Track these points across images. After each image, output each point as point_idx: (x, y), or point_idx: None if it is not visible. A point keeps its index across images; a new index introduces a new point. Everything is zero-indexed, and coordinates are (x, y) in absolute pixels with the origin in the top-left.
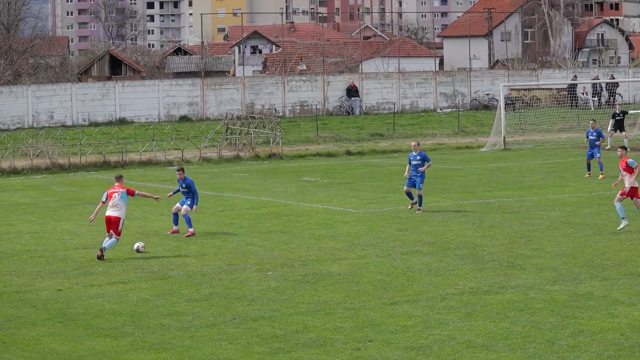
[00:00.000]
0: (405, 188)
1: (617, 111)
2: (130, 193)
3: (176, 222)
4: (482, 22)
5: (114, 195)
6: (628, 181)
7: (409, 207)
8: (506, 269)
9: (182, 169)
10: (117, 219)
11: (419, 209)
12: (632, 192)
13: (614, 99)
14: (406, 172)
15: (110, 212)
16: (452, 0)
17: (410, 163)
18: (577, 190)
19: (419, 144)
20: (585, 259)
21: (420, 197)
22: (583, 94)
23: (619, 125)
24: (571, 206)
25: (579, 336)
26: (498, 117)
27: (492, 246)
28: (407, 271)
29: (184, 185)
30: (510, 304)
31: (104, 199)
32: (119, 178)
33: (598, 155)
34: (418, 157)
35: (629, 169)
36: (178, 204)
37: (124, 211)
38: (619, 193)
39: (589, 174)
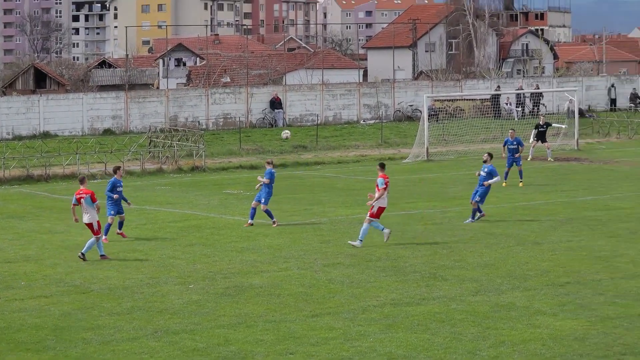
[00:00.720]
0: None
1: (540, 122)
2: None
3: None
4: (407, 33)
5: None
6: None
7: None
8: (428, 280)
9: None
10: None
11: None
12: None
13: (538, 109)
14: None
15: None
16: (377, 11)
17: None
18: (500, 200)
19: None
20: (507, 269)
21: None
22: (507, 104)
23: (541, 137)
24: (493, 217)
25: (500, 347)
26: (421, 128)
27: (413, 257)
28: (329, 283)
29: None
30: (432, 315)
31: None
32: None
33: (520, 163)
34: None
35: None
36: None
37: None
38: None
39: (505, 183)
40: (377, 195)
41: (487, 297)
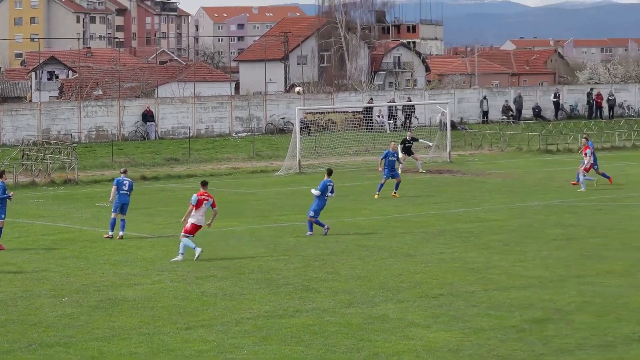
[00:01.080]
0: None
1: (407, 138)
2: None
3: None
4: (279, 46)
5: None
6: None
7: None
8: (301, 292)
9: None
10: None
11: None
12: None
13: (410, 122)
14: None
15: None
16: (249, 24)
17: None
18: (373, 213)
19: None
20: (380, 281)
21: None
22: (379, 116)
23: (407, 151)
24: (366, 229)
25: (374, 358)
26: (293, 141)
27: (286, 270)
28: (202, 296)
29: None
30: (305, 327)
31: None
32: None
33: (398, 175)
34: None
35: None
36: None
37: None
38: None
39: (377, 195)
40: (187, 211)
41: (361, 309)
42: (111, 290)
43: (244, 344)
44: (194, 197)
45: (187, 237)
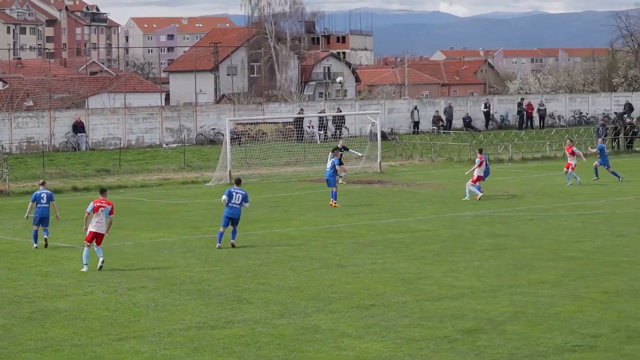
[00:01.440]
0: None
1: (339, 146)
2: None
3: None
4: (209, 56)
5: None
6: None
7: None
8: (232, 303)
9: None
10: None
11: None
12: None
13: (341, 132)
14: None
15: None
16: (179, 35)
17: None
18: (303, 223)
19: None
20: (311, 292)
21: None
22: (309, 127)
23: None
24: (297, 239)
25: None
26: (224, 152)
27: (218, 281)
28: (134, 307)
29: None
30: (237, 338)
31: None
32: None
33: (335, 184)
34: None
35: None
36: None
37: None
38: None
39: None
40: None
41: (293, 320)
42: (43, 302)
43: (176, 355)
44: (90, 204)
45: (87, 246)
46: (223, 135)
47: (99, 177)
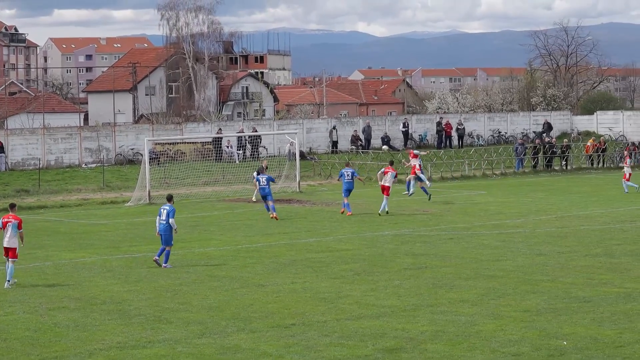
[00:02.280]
0: None
1: (263, 165)
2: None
3: None
4: (127, 76)
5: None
6: None
7: None
8: (153, 323)
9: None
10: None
11: None
12: None
13: (259, 152)
14: None
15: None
16: (97, 55)
17: None
18: (223, 243)
19: None
20: (231, 311)
21: None
22: (228, 147)
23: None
24: (217, 259)
25: None
26: (143, 172)
27: (138, 300)
28: (55, 327)
29: None
30: (158, 358)
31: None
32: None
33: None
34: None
35: None
36: None
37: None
38: None
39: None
40: None
41: (213, 340)
42: None
43: None
44: None
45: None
46: (142, 155)
47: (18, 198)
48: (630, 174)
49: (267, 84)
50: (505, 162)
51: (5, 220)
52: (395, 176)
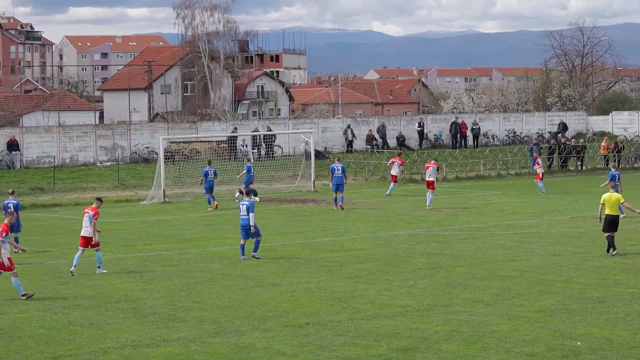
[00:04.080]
0: None
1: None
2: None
3: None
4: (142, 75)
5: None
6: None
7: None
8: (167, 321)
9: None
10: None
11: None
12: None
13: (273, 150)
14: None
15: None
16: (112, 53)
17: None
18: (237, 242)
19: None
20: (246, 310)
21: None
22: (243, 146)
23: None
24: (232, 258)
25: None
26: (158, 170)
27: (152, 299)
28: (69, 325)
29: None
30: (172, 356)
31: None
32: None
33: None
34: None
35: None
36: None
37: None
38: None
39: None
40: None
41: (227, 339)
42: None
43: None
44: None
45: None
46: (157, 153)
47: (33, 196)
48: (543, 174)
49: (282, 83)
50: (521, 162)
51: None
52: (438, 169)
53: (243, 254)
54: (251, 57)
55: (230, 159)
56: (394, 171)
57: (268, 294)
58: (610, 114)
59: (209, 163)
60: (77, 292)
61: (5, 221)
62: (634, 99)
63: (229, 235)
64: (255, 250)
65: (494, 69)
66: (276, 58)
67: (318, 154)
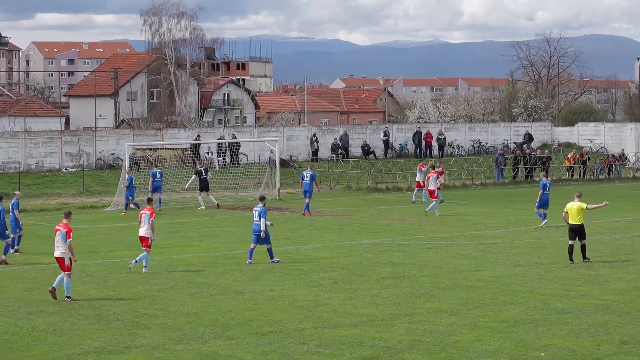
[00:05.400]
0: None
1: (199, 168)
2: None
3: None
4: (109, 81)
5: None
6: None
7: None
8: (130, 328)
9: None
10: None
11: None
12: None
13: (238, 158)
14: None
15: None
16: (79, 59)
17: None
18: (201, 250)
19: None
20: (209, 318)
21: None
22: (208, 153)
23: (204, 185)
24: (195, 266)
25: None
26: (122, 177)
27: (116, 306)
28: (33, 331)
29: None
30: None
31: None
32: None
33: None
34: None
35: None
36: None
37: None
38: None
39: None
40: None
41: (190, 346)
42: None
43: None
44: None
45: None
46: (122, 160)
47: None
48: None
49: (248, 91)
50: (486, 172)
51: (141, 212)
52: (438, 177)
53: (250, 258)
54: (217, 64)
55: (194, 166)
56: (431, 185)
57: (232, 302)
58: (576, 125)
59: (156, 166)
60: (41, 298)
61: None
62: (600, 111)
63: (193, 242)
64: (271, 257)
65: (460, 79)
66: (242, 66)
67: (283, 163)
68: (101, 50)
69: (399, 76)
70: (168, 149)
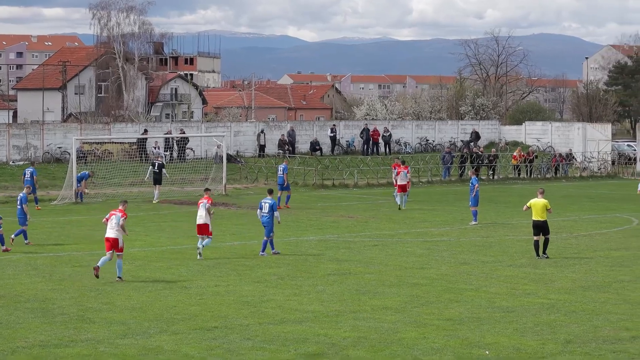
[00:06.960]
0: None
1: (155, 161)
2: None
3: None
4: (57, 75)
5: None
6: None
7: None
8: (76, 322)
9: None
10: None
11: None
12: None
13: (185, 153)
14: None
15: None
16: (28, 52)
17: None
18: (148, 244)
19: None
20: (154, 313)
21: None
22: (155, 148)
23: (155, 178)
24: (141, 260)
25: None
26: (70, 171)
27: (62, 299)
28: None
29: None
30: (80, 357)
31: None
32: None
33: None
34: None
35: None
36: None
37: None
38: None
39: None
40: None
41: (135, 340)
42: None
43: None
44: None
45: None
46: (69, 154)
47: None
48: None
49: (196, 86)
50: (432, 170)
51: (200, 202)
52: (408, 173)
53: (263, 250)
54: (166, 59)
55: (141, 160)
56: (402, 180)
57: (177, 297)
58: (523, 124)
59: (32, 164)
60: None
61: None
62: (547, 110)
63: (139, 237)
64: (272, 248)
65: (408, 76)
66: (190, 61)
67: (230, 158)
68: (50, 43)
69: (347, 73)
70: (115, 143)
